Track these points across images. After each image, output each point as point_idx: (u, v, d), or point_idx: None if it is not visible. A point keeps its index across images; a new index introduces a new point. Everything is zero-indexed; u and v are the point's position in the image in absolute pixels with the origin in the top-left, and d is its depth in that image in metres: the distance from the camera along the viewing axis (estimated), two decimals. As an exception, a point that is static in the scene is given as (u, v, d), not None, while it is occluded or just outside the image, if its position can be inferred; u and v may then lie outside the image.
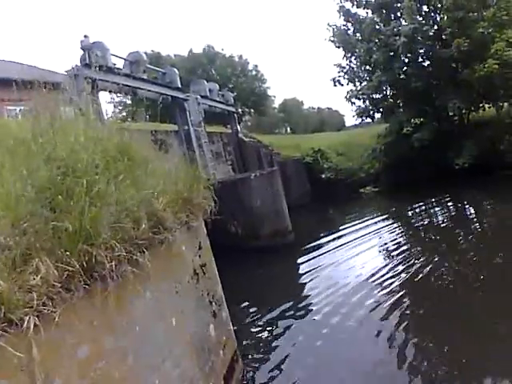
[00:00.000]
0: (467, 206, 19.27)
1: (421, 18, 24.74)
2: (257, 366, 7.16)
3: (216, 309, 5.99)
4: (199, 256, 5.99)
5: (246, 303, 10.14)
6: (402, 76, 25.42)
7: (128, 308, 3.80)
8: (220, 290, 6.50)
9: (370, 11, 27.44)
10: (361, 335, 7.94)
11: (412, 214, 18.87)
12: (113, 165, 4.48)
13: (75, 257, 3.22)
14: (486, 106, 25.52)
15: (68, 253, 3.19)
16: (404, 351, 7.00)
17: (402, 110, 27.03)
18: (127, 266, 3.77)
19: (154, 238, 4.47)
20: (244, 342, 7.15)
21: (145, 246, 4.17)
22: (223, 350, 5.75)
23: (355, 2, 27.53)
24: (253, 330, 8.75)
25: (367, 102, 27.77)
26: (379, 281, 10.55)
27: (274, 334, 8.46)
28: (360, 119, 29.50)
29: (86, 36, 12.63)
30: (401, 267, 11.42)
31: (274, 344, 7.97)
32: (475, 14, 22.82)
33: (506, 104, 24.48)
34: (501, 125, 23.32)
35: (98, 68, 10.31)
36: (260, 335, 8.45)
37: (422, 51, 25.21)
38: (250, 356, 7.39)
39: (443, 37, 24.96)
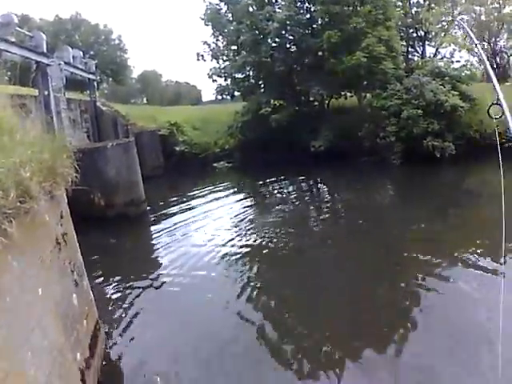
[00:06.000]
0: (320, 187, 20.97)
1: (295, 6, 25.54)
2: (116, 334, 7.32)
3: (77, 278, 5.98)
4: (61, 225, 5.91)
5: (101, 273, 10.06)
6: (267, 59, 25.98)
7: (-2, 279, 3.73)
8: (80, 259, 6.47)
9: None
10: (213, 301, 8.52)
11: (264, 189, 20.09)
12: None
13: None
14: (348, 94, 27.14)
15: None
16: (250, 316, 7.78)
17: (262, 91, 27.79)
18: (-3, 236, 3.69)
19: (20, 208, 4.36)
20: (103, 312, 7.20)
21: (12, 216, 4.07)
22: (86, 319, 5.79)
23: (232, -18, 27.63)
24: (110, 298, 8.81)
25: (229, 80, 28.39)
26: (228, 249, 11.35)
27: (131, 303, 8.59)
28: (220, 96, 29.93)
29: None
30: (248, 236, 12.41)
31: (130, 313, 8.14)
32: (350, 8, 24.26)
33: (368, 95, 26.14)
34: (361, 113, 24.87)
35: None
36: (117, 304, 8.54)
37: (291, 37, 26.14)
38: (109, 325, 7.49)
39: (314, 26, 26.10)
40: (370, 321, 7.30)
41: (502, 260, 8.56)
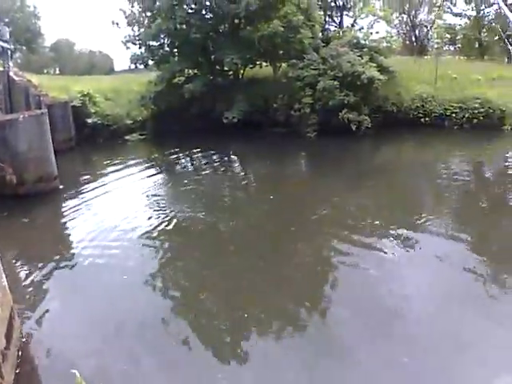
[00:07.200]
0: (233, 159, 20.93)
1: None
2: (33, 320, 7.10)
3: (-11, 264, 5.79)
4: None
5: (13, 255, 9.67)
6: (182, 25, 25.37)
7: None
8: (-8, 243, 6.26)
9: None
10: (130, 281, 8.50)
11: (176, 162, 19.90)
12: None
13: None
14: (264, 63, 27.03)
15: None
16: (167, 292, 8.15)
17: (176, 59, 27.16)
18: None
19: None
20: (17, 298, 7.00)
21: None
22: (0, 307, 5.64)
23: None
24: (23, 282, 8.46)
25: (143, 48, 27.57)
26: (141, 226, 11.31)
27: (45, 286, 8.36)
28: (133, 65, 29.15)
29: None
30: (160, 211, 12.46)
31: (45, 297, 7.91)
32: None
33: (284, 65, 26.03)
34: (276, 84, 24.94)
35: None
36: (31, 288, 8.23)
37: (208, 3, 25.64)
38: (24, 311, 7.28)
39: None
40: (280, 298, 7.70)
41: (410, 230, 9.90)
